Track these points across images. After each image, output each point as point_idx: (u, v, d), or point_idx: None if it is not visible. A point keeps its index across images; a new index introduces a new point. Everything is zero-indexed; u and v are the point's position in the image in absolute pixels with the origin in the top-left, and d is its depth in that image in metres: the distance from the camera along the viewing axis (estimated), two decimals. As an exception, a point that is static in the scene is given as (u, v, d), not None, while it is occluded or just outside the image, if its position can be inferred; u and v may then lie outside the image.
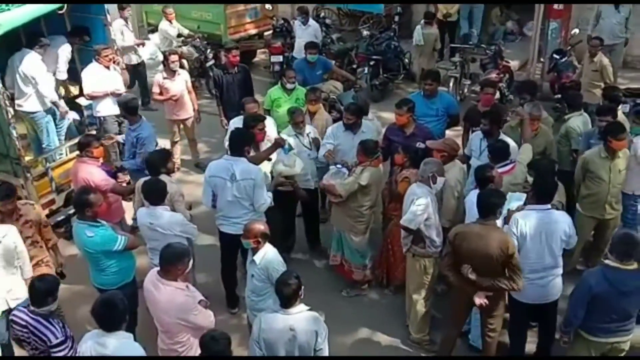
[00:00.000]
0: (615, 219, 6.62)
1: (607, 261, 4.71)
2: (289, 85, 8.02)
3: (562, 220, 5.22)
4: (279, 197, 6.51)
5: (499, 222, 5.25)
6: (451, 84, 10.92)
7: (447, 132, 7.74)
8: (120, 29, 10.59)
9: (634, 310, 4.71)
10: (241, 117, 7.24)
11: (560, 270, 5.33)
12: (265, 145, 6.71)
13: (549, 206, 5.23)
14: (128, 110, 7.31)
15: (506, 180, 5.80)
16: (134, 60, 11.18)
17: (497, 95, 8.89)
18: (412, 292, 5.98)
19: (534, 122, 6.77)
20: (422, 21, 11.54)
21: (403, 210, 5.80)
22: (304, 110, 7.31)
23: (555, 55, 10.63)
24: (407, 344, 6.17)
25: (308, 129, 7.01)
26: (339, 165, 6.42)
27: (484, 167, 5.69)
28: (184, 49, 11.66)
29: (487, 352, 5.50)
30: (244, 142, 6.09)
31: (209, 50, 11.94)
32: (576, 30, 11.16)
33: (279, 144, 6.53)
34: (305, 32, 11.20)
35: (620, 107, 7.54)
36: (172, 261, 4.67)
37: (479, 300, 5.10)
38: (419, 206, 5.53)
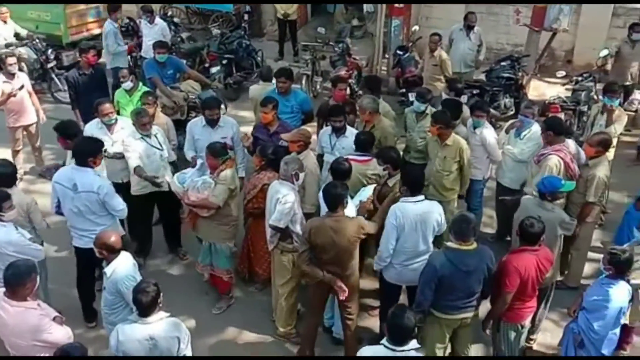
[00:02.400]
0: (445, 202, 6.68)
1: (448, 243, 5.04)
2: (123, 85, 7.84)
3: (435, 210, 5.53)
4: (136, 202, 6.48)
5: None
6: (304, 81, 11.14)
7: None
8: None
9: (477, 287, 5.04)
10: (97, 120, 6.87)
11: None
12: None
13: (422, 197, 5.52)
14: None
15: (358, 169, 6.05)
16: None
17: (348, 91, 9.18)
18: (279, 286, 6.06)
19: (364, 114, 7.01)
20: None
21: (267, 209, 5.86)
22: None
23: (398, 52, 11.13)
24: (275, 338, 6.24)
25: (154, 129, 6.79)
26: (205, 177, 6.15)
27: (339, 160, 5.90)
28: (21, 49, 10.91)
29: (348, 334, 5.72)
30: (89, 153, 5.72)
31: (50, 51, 11.27)
32: (416, 27, 11.77)
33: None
34: (152, 31, 10.88)
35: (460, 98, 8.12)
36: (18, 282, 4.39)
37: (342, 295, 5.36)
38: (286, 204, 5.62)
